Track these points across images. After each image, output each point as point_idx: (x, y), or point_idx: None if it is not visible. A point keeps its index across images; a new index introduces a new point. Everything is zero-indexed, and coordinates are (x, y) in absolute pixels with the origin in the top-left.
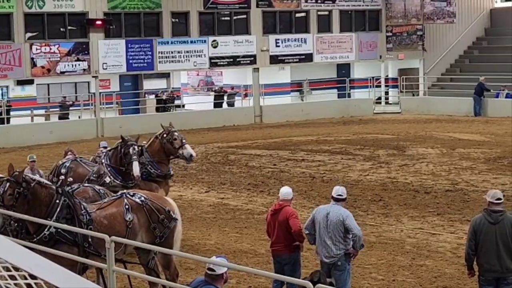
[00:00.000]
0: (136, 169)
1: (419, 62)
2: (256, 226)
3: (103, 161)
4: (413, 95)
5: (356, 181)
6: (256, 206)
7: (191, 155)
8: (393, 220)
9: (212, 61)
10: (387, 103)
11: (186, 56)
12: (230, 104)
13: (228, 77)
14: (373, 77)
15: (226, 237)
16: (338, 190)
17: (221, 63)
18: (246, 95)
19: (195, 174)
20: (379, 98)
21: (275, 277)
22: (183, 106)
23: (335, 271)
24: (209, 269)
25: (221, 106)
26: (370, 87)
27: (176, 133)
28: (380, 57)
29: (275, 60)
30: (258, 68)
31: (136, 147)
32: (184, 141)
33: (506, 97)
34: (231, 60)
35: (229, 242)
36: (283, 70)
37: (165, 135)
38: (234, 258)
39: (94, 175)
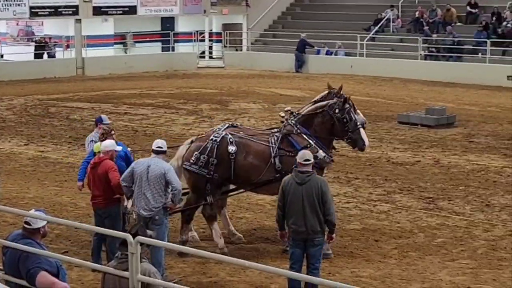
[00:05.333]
0: (365, 136)
1: (243, 17)
2: (76, 180)
3: (299, 131)
4: (237, 50)
5: (179, 135)
6: (77, 160)
7: (364, 122)
8: None
9: (33, 10)
10: (211, 57)
11: (5, 5)
12: (51, 55)
13: (49, 27)
14: (197, 31)
15: (45, 190)
16: (158, 143)
17: (42, 13)
18: (68, 47)
19: (13, 126)
20: (203, 52)
21: (95, 230)
22: (2, 56)
23: (152, 225)
24: (26, 222)
25: (41, 57)
26: (194, 41)
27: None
28: (205, 11)
29: (98, 11)
30: (80, 19)
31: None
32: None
33: (327, 54)
34: (52, 10)
35: (49, 196)
36: (106, 21)
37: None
38: (54, 211)
39: (282, 151)
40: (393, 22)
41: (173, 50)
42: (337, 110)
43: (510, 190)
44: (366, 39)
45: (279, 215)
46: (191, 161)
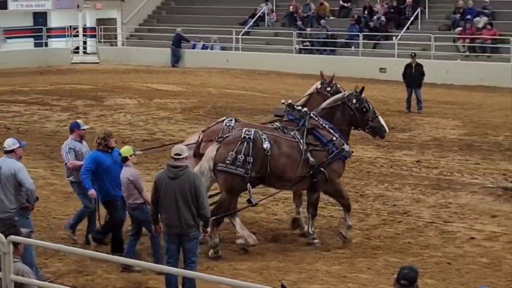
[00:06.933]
0: (385, 123)
1: (117, 12)
2: None
3: (323, 124)
4: (111, 45)
5: (53, 132)
6: None
7: None
8: None
9: None
10: (85, 53)
11: None
12: None
13: None
14: (70, 27)
15: None
16: (5, 142)
17: None
18: None
19: None
20: (77, 48)
21: None
22: None
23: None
24: None
25: None
26: (68, 36)
27: (338, 85)
28: (78, 6)
29: None
30: None
31: None
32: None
33: (202, 48)
34: None
35: None
36: None
37: (329, 88)
38: None
39: (310, 145)
40: (268, 16)
41: (46, 45)
42: (354, 101)
43: (383, 180)
44: (241, 33)
45: (153, 209)
46: (227, 161)
